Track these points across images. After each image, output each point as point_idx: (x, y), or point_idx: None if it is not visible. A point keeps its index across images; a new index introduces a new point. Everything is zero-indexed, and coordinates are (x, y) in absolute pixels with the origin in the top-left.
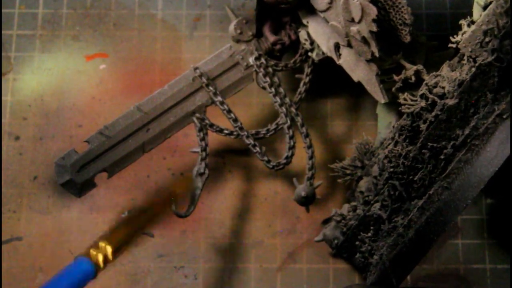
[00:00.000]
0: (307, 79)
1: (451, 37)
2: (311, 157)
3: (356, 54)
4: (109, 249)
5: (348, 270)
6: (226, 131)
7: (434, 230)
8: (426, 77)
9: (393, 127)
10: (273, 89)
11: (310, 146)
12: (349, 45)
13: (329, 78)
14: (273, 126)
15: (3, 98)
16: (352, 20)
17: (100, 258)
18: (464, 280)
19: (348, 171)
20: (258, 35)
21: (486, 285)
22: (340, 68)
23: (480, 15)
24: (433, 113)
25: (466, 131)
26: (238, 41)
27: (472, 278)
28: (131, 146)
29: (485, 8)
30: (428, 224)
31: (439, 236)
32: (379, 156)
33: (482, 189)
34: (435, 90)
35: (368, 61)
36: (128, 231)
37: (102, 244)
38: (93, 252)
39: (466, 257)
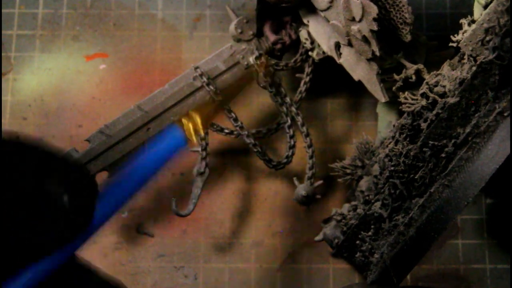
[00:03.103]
0: (307, 79)
1: (451, 36)
2: (311, 157)
3: (356, 53)
4: (198, 119)
5: (348, 270)
6: (226, 131)
7: (435, 228)
8: (426, 76)
9: (394, 126)
10: (273, 89)
11: (310, 146)
12: (350, 44)
13: (329, 78)
14: (274, 125)
15: (3, 98)
16: (353, 19)
17: (191, 127)
18: (464, 280)
19: (348, 171)
20: (259, 34)
21: (486, 285)
22: (340, 67)
23: (481, 14)
24: (434, 112)
25: (467, 129)
26: (238, 40)
27: (472, 278)
28: (132, 145)
29: (485, 7)
30: (429, 222)
31: (440, 234)
32: (380, 155)
33: (482, 189)
34: (435, 89)
35: (368, 60)
36: (218, 104)
37: (192, 114)
38: (184, 120)
39: (466, 257)
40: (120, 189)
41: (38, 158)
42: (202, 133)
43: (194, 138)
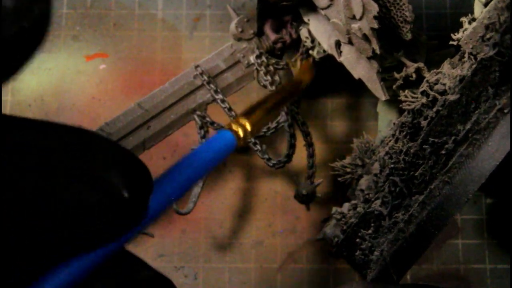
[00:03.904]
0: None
1: (452, 34)
2: (311, 156)
3: (357, 52)
4: (247, 123)
5: (348, 270)
6: None
7: (435, 225)
8: (427, 75)
9: (394, 124)
10: (274, 88)
11: (310, 145)
12: (350, 42)
13: (330, 77)
14: (274, 124)
15: (3, 98)
16: (353, 17)
17: (241, 131)
18: (464, 280)
19: (348, 170)
20: (259, 33)
21: (486, 285)
22: (341, 66)
23: (481, 12)
24: (434, 109)
25: (468, 126)
26: (239, 39)
27: (472, 278)
28: (132, 143)
29: (486, 4)
30: (429, 218)
31: (440, 230)
32: (380, 153)
33: (482, 189)
34: (436, 87)
35: (369, 58)
36: (268, 106)
37: (241, 119)
38: (233, 126)
39: (466, 257)
40: (172, 184)
41: (102, 147)
42: (252, 132)
43: (243, 136)
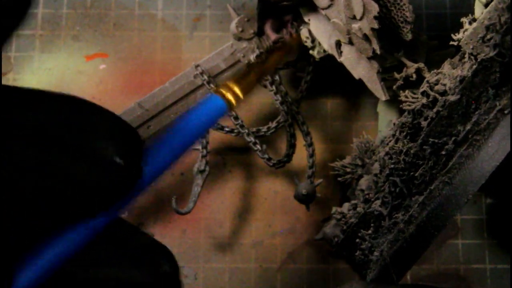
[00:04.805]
0: (308, 78)
1: (452, 35)
2: (311, 155)
3: (357, 52)
4: (237, 88)
5: (348, 270)
6: (226, 129)
7: (435, 225)
8: (427, 75)
9: (394, 124)
10: (274, 87)
11: (310, 145)
12: (351, 42)
13: (330, 77)
14: (274, 124)
15: None
16: (354, 17)
17: (230, 95)
18: (464, 280)
19: (348, 170)
20: (260, 33)
21: (486, 285)
22: (341, 66)
23: (482, 13)
24: (435, 110)
25: (468, 127)
26: (239, 39)
27: (472, 278)
28: None
29: (486, 5)
30: (429, 219)
31: (440, 231)
32: (380, 153)
33: (482, 189)
34: (436, 87)
35: (369, 58)
36: (257, 71)
37: (230, 84)
38: (222, 91)
39: (466, 257)
40: (166, 149)
41: (93, 116)
42: (241, 97)
43: (234, 102)
